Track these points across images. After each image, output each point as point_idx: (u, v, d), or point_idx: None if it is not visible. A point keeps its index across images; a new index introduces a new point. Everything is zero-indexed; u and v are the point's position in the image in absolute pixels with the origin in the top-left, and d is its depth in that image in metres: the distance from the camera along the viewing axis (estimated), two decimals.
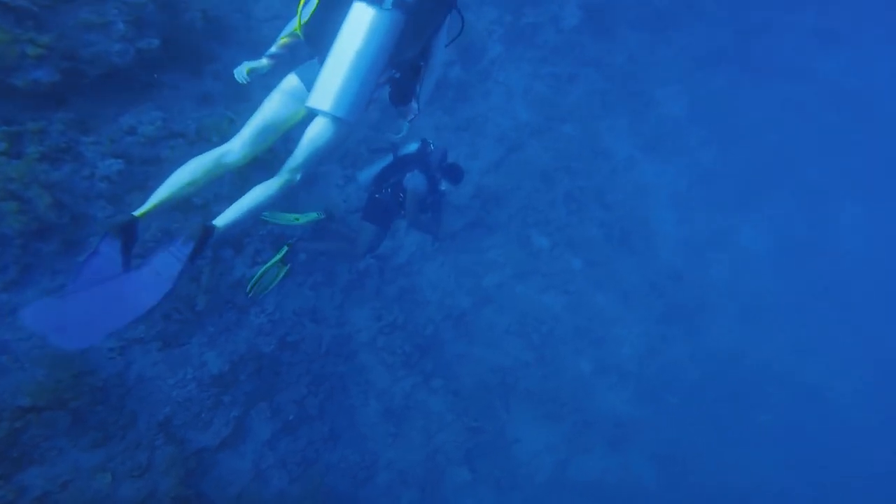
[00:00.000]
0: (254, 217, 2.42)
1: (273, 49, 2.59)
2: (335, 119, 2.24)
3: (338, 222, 4.68)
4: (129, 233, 2.05)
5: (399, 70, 2.37)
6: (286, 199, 2.50)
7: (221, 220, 2.19)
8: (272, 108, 2.43)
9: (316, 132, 2.31)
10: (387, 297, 5.79)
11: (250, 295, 3.79)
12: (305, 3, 2.30)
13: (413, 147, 3.97)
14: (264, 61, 2.61)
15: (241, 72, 2.59)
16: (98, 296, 1.95)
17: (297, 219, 3.97)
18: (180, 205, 2.44)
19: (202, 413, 4.14)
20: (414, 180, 3.87)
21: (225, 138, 2.45)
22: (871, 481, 7.26)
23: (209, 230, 2.12)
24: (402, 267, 5.84)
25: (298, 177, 2.36)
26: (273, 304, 4.75)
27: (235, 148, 2.38)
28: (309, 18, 2.29)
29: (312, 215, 4.06)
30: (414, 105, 2.58)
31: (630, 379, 7.03)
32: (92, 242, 2.18)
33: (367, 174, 4.15)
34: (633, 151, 7.49)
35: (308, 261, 5.06)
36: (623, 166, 7.42)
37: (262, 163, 2.72)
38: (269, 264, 3.80)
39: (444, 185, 3.99)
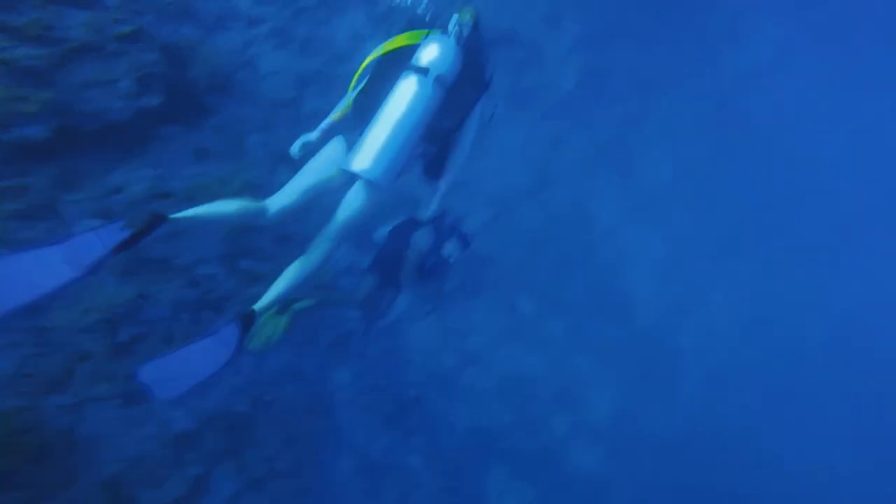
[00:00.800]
0: (298, 293, 2.48)
1: (324, 124, 2.71)
2: (369, 184, 2.35)
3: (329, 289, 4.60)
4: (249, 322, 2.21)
5: (434, 145, 2.53)
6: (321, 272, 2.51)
7: (260, 305, 2.29)
8: (313, 169, 2.53)
9: (350, 199, 2.41)
10: (370, 357, 5.71)
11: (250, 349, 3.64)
12: (358, 80, 2.53)
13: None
14: (315, 134, 2.71)
15: (296, 147, 2.72)
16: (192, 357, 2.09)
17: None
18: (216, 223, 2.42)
19: (158, 470, 3.90)
20: (420, 237, 3.85)
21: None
22: None
23: (251, 314, 2.23)
24: (388, 327, 5.78)
25: (334, 245, 2.44)
26: (250, 364, 4.59)
27: (272, 209, 2.43)
28: (360, 92, 2.50)
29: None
30: (443, 183, 2.68)
31: (603, 439, 7.13)
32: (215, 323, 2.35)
33: (382, 231, 4.12)
34: (616, 216, 7.73)
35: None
36: (608, 231, 7.64)
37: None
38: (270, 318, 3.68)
39: (449, 249, 3.98)
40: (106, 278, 3.81)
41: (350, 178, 2.43)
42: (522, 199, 6.82)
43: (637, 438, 7.16)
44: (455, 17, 2.57)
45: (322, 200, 2.51)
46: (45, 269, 1.77)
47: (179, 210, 2.04)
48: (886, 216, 9.35)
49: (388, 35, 2.55)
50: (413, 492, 5.98)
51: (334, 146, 2.56)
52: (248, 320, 2.19)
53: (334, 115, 2.71)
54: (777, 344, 8.36)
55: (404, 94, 2.33)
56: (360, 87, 2.52)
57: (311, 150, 2.68)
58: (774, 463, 7.79)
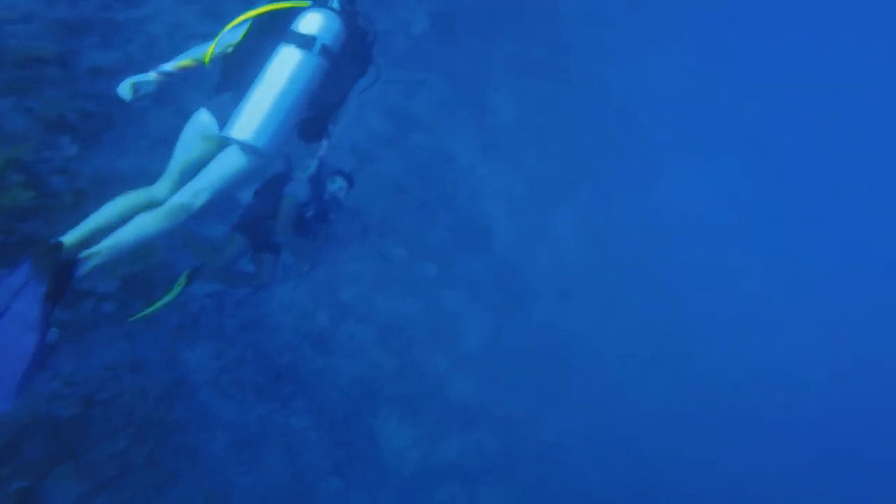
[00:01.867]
0: (134, 250, 2.12)
1: (168, 67, 2.47)
2: (252, 149, 2.26)
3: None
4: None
5: (313, 110, 2.45)
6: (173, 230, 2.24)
7: (87, 252, 1.96)
8: (188, 148, 2.42)
9: (227, 159, 2.29)
10: (228, 333, 5.23)
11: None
12: (224, 35, 2.45)
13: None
14: (153, 76, 2.45)
15: (125, 87, 2.40)
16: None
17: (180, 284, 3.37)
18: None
19: None
20: (295, 188, 3.54)
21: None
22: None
23: (67, 265, 1.88)
24: (246, 298, 5.32)
25: (198, 203, 2.24)
26: (71, 364, 3.94)
27: (163, 191, 2.33)
28: (231, 52, 2.43)
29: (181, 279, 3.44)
30: (325, 142, 2.61)
31: (477, 367, 7.80)
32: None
33: (247, 192, 3.66)
34: (473, 155, 8.01)
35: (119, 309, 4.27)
36: (465, 169, 7.89)
37: None
38: (168, 297, 3.30)
39: (336, 184, 3.77)
40: None
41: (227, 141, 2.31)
42: (383, 146, 6.61)
43: (504, 360, 8.01)
44: None
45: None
46: (12, 344, 1.72)
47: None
48: (696, 133, 11.27)
49: None
50: (302, 453, 5.89)
51: (204, 117, 2.40)
52: (63, 270, 1.83)
53: (183, 62, 2.49)
54: (616, 254, 9.89)
55: (288, 63, 2.27)
56: (229, 46, 2.44)
57: (147, 94, 2.45)
58: (611, 361, 9.47)
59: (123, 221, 2.09)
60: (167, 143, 5.00)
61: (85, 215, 2.12)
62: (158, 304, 3.33)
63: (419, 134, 7.14)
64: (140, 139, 4.71)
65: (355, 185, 3.94)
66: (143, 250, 2.33)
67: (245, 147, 2.25)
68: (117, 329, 4.32)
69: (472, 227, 7.96)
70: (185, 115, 5.09)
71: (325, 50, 2.32)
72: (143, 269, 4.32)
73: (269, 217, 3.61)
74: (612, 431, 9.08)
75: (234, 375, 5.31)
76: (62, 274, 1.82)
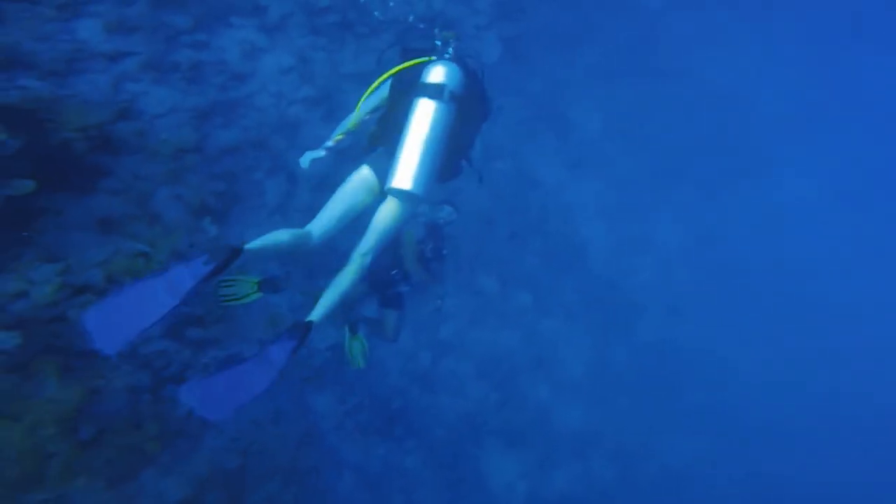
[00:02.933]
0: (343, 306, 2.62)
1: (330, 143, 2.97)
2: (413, 196, 2.52)
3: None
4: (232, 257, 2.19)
5: (451, 153, 2.69)
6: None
7: (316, 316, 2.41)
8: (347, 195, 2.68)
9: (389, 211, 2.59)
10: (347, 381, 5.53)
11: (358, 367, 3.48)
12: (363, 104, 2.86)
13: None
14: (322, 153, 2.97)
15: (305, 161, 2.98)
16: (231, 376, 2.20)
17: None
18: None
19: None
20: (408, 231, 3.60)
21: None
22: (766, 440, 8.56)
23: (307, 326, 2.33)
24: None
25: (368, 259, 2.59)
26: (229, 421, 4.40)
27: (315, 235, 2.59)
28: (379, 118, 2.81)
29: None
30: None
31: (583, 393, 7.48)
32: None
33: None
34: (560, 174, 7.67)
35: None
36: (554, 191, 7.59)
37: None
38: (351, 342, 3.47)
39: (444, 211, 3.84)
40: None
41: (383, 196, 2.63)
42: (465, 178, 6.57)
43: (611, 384, 7.59)
44: (442, 40, 2.83)
45: (358, 221, 2.70)
46: (150, 300, 2.00)
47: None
48: (797, 130, 9.90)
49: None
50: (416, 490, 6.08)
51: (364, 170, 2.70)
52: (303, 333, 2.29)
53: (339, 136, 2.96)
54: (723, 261, 8.95)
55: (426, 113, 2.51)
56: (367, 114, 2.87)
57: (320, 168, 2.98)
58: (729, 378, 8.57)
59: (282, 251, 2.46)
60: (283, 210, 5.40)
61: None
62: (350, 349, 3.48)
63: (502, 162, 7.00)
64: (260, 210, 5.15)
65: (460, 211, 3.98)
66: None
67: (407, 196, 2.52)
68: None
69: (566, 250, 7.65)
70: (294, 181, 5.39)
71: (453, 96, 2.56)
72: None
73: (390, 268, 3.68)
74: (733, 454, 8.23)
75: (356, 420, 5.64)
76: (303, 330, 2.29)
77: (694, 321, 8.48)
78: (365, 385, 5.79)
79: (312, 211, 2.69)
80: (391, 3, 6.21)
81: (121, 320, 1.99)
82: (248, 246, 2.19)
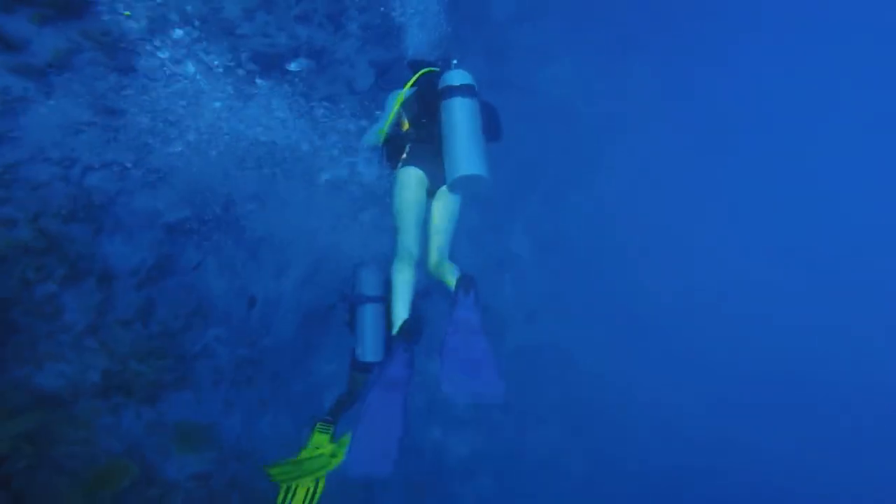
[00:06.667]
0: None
1: (369, 148, 3.54)
2: (481, 181, 2.79)
3: None
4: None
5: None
6: None
7: (405, 314, 2.64)
8: (412, 199, 2.93)
9: (452, 207, 2.98)
10: None
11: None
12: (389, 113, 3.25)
13: None
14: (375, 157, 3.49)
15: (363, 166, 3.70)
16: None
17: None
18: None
19: None
20: None
21: None
22: None
23: (415, 319, 2.61)
24: None
25: (448, 253, 2.93)
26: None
27: (415, 249, 2.82)
28: (412, 119, 3.15)
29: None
30: None
31: (468, 422, 7.59)
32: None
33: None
34: None
35: None
36: None
37: None
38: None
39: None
40: None
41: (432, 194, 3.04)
42: None
43: (489, 407, 7.87)
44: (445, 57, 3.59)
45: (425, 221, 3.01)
46: (383, 408, 2.23)
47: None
48: (621, 136, 11.14)
49: None
50: None
51: (412, 171, 2.99)
52: (409, 332, 2.47)
53: (375, 140, 3.38)
54: (569, 265, 9.87)
55: (464, 109, 2.88)
56: (414, 118, 3.15)
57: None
58: (584, 371, 9.72)
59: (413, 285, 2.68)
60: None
61: None
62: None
63: None
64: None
65: None
66: None
67: (477, 181, 2.78)
68: None
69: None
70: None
71: (476, 92, 2.99)
72: None
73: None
74: (587, 445, 9.36)
75: None
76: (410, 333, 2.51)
77: (548, 325, 9.28)
78: None
79: None
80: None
81: (376, 441, 2.16)
82: (410, 313, 2.51)
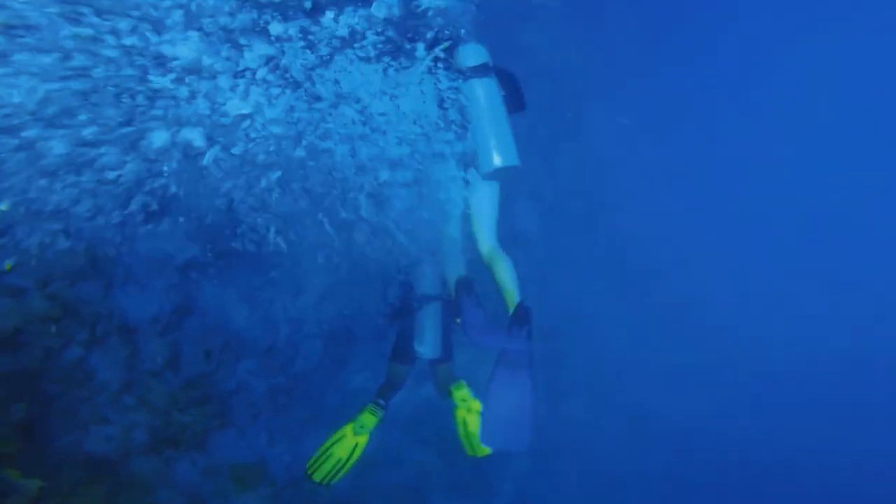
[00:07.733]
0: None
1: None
2: (515, 169, 2.65)
3: None
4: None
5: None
6: None
7: (519, 297, 2.58)
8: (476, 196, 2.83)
9: (492, 195, 2.83)
10: None
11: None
12: None
13: None
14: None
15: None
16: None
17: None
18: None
19: None
20: None
21: None
22: None
23: (524, 307, 2.49)
24: None
25: (495, 241, 2.85)
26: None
27: (493, 244, 2.83)
28: None
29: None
30: None
31: None
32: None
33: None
34: None
35: None
36: None
37: None
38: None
39: None
40: None
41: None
42: None
43: None
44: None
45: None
46: (516, 387, 2.29)
47: None
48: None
49: None
50: None
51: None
52: (526, 313, 2.43)
53: None
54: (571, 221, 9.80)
55: (485, 92, 2.67)
56: None
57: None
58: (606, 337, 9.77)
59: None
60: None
61: None
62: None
63: None
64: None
65: None
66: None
67: (513, 171, 2.64)
68: None
69: None
70: None
71: (489, 70, 2.74)
72: None
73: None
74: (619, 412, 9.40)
75: None
76: (524, 311, 2.45)
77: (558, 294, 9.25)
78: None
79: None
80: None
81: (509, 418, 2.23)
82: (521, 295, 2.53)
